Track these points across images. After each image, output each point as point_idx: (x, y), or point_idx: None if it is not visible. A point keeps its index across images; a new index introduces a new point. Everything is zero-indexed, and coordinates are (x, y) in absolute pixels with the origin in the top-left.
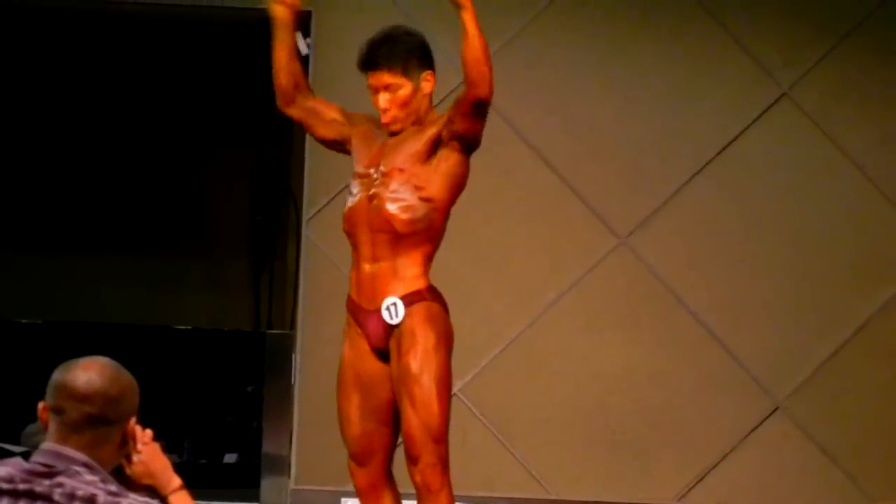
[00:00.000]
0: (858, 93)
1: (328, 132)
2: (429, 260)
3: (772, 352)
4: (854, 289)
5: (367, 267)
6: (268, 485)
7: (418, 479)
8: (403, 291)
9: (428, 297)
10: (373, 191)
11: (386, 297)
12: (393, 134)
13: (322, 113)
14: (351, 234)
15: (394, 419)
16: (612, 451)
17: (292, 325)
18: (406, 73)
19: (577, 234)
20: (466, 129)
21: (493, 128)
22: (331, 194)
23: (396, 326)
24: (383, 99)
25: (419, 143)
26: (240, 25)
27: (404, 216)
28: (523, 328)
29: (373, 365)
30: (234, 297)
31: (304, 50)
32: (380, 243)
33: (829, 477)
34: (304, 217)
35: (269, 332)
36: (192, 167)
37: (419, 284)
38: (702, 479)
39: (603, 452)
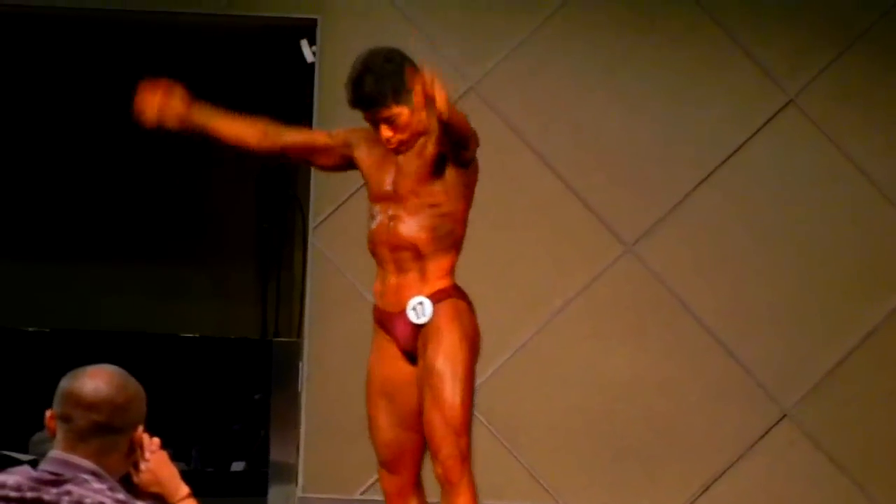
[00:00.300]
0: (864, 100)
1: (327, 160)
2: (454, 264)
3: (779, 359)
4: (861, 296)
5: (392, 278)
6: (275, 493)
7: (439, 471)
8: (429, 291)
9: (454, 294)
10: (391, 212)
11: (411, 297)
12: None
13: (312, 143)
14: (375, 253)
15: (422, 425)
16: (618, 458)
17: (299, 332)
18: (398, 100)
19: (583, 242)
20: (456, 158)
21: (498, 135)
22: (337, 202)
23: (423, 326)
24: (385, 130)
25: (424, 162)
26: (244, 33)
27: (426, 236)
28: (530, 336)
29: (401, 370)
30: (240, 304)
31: (309, 57)
32: (404, 260)
33: (837, 485)
34: (311, 225)
35: (276, 339)
36: (198, 175)
37: (445, 283)
38: (708, 487)
39: (609, 460)
